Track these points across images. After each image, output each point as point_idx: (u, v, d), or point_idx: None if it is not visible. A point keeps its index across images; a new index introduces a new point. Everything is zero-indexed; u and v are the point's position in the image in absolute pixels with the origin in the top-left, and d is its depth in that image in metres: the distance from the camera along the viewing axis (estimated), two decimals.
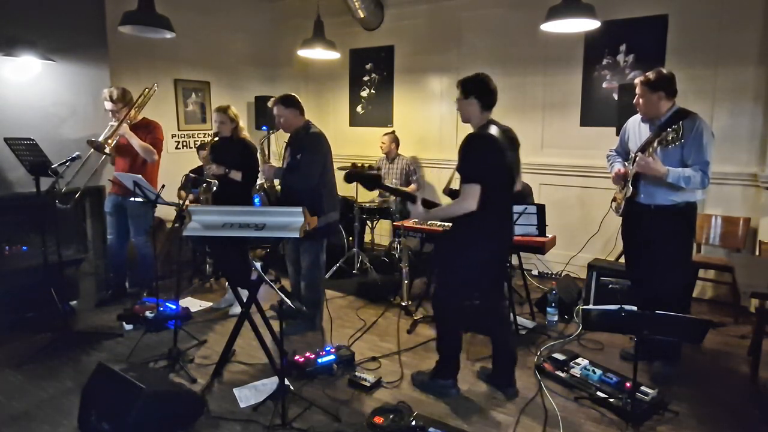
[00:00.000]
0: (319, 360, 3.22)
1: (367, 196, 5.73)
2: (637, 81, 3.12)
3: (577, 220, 5.12)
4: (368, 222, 5.92)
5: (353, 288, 4.76)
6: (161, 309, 3.83)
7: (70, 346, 3.52)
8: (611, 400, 2.86)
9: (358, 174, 2.89)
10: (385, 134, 5.77)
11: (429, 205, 2.90)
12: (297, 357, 3.25)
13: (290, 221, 2.85)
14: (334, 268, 5.15)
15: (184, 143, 5.76)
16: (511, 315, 3.72)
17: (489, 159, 2.73)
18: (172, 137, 5.60)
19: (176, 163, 5.10)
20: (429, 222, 4.13)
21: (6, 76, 4.01)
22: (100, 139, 3.89)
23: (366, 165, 2.91)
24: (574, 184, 5.17)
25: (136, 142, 4.04)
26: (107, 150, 3.93)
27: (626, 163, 3.30)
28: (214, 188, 3.87)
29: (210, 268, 5.00)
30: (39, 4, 4.08)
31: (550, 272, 5.28)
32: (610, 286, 4.09)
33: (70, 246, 4.50)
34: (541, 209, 3.79)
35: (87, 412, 2.58)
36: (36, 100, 4.17)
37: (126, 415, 2.40)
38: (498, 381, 3.08)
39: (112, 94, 4.07)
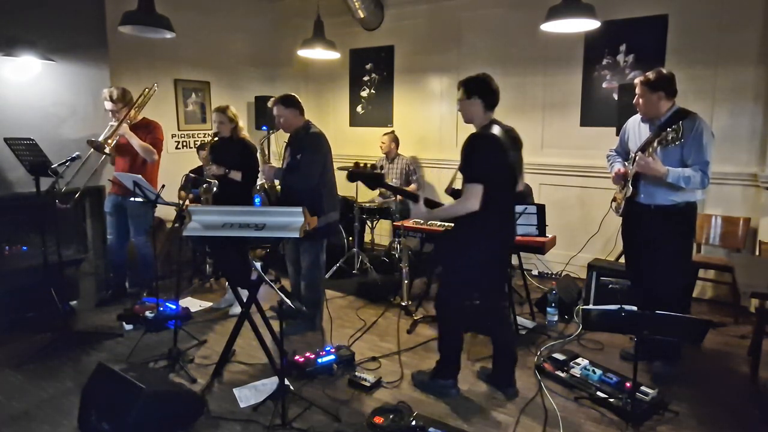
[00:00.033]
0: (319, 360, 3.22)
1: (367, 196, 5.73)
2: (637, 81, 3.13)
3: (577, 220, 5.12)
4: (368, 222, 5.92)
5: (353, 288, 4.76)
6: (161, 309, 3.83)
7: (70, 346, 3.52)
8: (611, 400, 2.86)
9: (360, 173, 2.89)
10: (385, 134, 5.77)
11: (431, 204, 2.90)
12: (297, 357, 3.25)
13: (290, 221, 2.85)
14: (334, 268, 5.15)
15: (184, 143, 5.76)
16: (511, 315, 3.72)
17: (492, 159, 2.73)
18: (172, 137, 5.60)
19: (176, 163, 5.09)
20: (429, 222, 4.13)
21: (6, 76, 4.01)
22: (100, 139, 3.89)
23: (368, 164, 2.91)
24: (574, 184, 5.17)
25: (136, 142, 4.04)
26: (107, 150, 3.93)
27: (626, 163, 3.30)
28: (215, 189, 3.87)
29: (210, 268, 5.00)
30: (39, 4, 4.07)
31: (550, 272, 5.28)
32: (610, 286, 4.09)
33: (70, 246, 4.50)
34: (541, 209, 3.79)
35: (87, 412, 2.58)
36: (36, 100, 4.17)
37: (126, 415, 2.40)
38: (498, 381, 3.08)
39: (112, 94, 4.07)
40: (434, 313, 4.06)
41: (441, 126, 5.95)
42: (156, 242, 3.88)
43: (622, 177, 3.26)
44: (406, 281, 4.36)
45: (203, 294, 4.70)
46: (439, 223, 4.08)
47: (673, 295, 3.09)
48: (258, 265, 2.90)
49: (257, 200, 4.35)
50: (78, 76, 4.39)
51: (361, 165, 2.89)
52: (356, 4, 5.69)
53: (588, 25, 3.72)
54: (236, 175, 4.05)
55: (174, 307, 3.88)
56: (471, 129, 2.92)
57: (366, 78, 6.45)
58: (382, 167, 5.69)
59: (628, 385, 2.90)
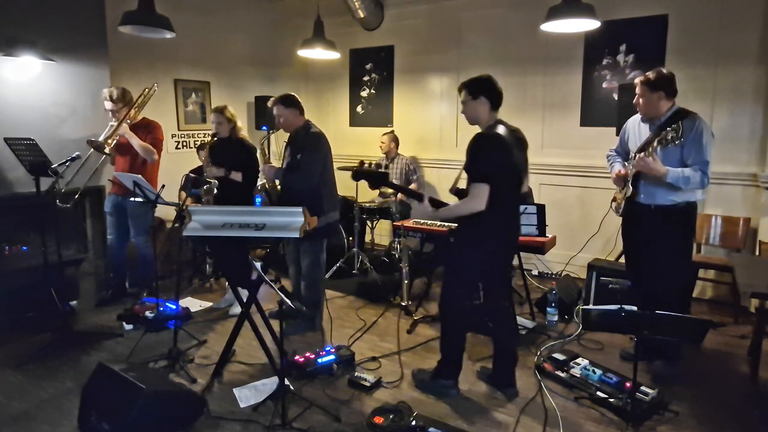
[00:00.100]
0: (319, 360, 3.22)
1: (367, 196, 5.73)
2: (637, 81, 3.13)
3: (577, 220, 5.12)
4: (368, 222, 5.91)
5: (353, 288, 4.76)
6: (161, 309, 3.83)
7: (70, 346, 3.52)
8: (611, 400, 2.86)
9: (365, 172, 2.89)
10: (385, 134, 5.77)
11: (436, 204, 2.90)
12: (297, 357, 3.25)
13: (290, 221, 2.85)
14: (334, 268, 5.15)
15: (184, 143, 5.76)
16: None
17: (497, 159, 2.72)
18: (172, 137, 5.59)
19: (176, 163, 5.09)
20: (429, 222, 4.13)
21: (6, 76, 4.01)
22: (100, 139, 3.89)
23: (372, 164, 2.92)
24: (574, 184, 5.17)
25: (136, 142, 4.04)
26: (107, 150, 3.93)
27: (626, 164, 3.30)
28: (215, 189, 3.87)
29: (210, 268, 5.00)
30: (39, 4, 4.07)
31: (550, 272, 5.28)
32: (610, 286, 4.09)
33: (70, 246, 4.49)
34: (541, 209, 3.79)
35: (87, 412, 2.58)
36: (36, 100, 4.16)
37: (126, 415, 2.40)
38: (498, 381, 3.08)
39: (112, 94, 4.07)
40: (434, 313, 4.09)
41: (441, 126, 5.95)
42: (156, 242, 3.87)
43: (623, 179, 3.26)
44: (406, 281, 4.36)
45: (203, 294, 4.70)
46: (439, 222, 4.07)
47: (673, 295, 3.09)
48: (258, 265, 2.91)
49: (258, 200, 4.35)
50: (78, 76, 4.39)
51: (367, 164, 2.89)
52: (356, 4, 5.69)
53: (588, 25, 3.72)
54: (237, 176, 4.05)
55: (174, 307, 3.88)
56: (471, 128, 2.92)
57: (366, 78, 6.45)
58: (387, 166, 5.70)
59: (628, 385, 2.90)
